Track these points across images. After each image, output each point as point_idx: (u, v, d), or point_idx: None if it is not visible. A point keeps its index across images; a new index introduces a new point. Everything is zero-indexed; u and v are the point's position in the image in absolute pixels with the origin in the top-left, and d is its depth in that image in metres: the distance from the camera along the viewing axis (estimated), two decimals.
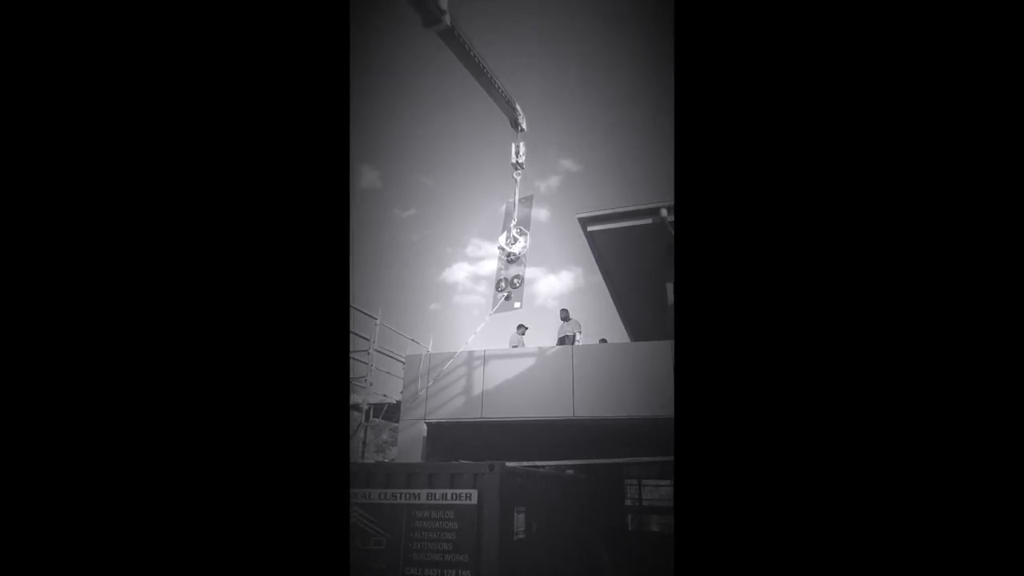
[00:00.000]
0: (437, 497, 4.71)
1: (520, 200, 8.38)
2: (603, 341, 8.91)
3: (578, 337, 8.47)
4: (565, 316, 8.79)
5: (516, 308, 7.92)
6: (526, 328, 8.72)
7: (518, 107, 8.21)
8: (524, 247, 8.10)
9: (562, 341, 8.37)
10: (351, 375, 8.55)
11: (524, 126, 8.44)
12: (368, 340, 9.07)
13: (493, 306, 7.95)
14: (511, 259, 8.09)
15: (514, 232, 8.18)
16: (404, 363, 8.51)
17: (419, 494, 4.77)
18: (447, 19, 6.04)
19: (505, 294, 7.92)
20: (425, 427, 7.61)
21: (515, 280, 7.96)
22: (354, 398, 8.75)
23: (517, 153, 8.40)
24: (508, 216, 8.37)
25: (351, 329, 8.60)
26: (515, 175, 8.43)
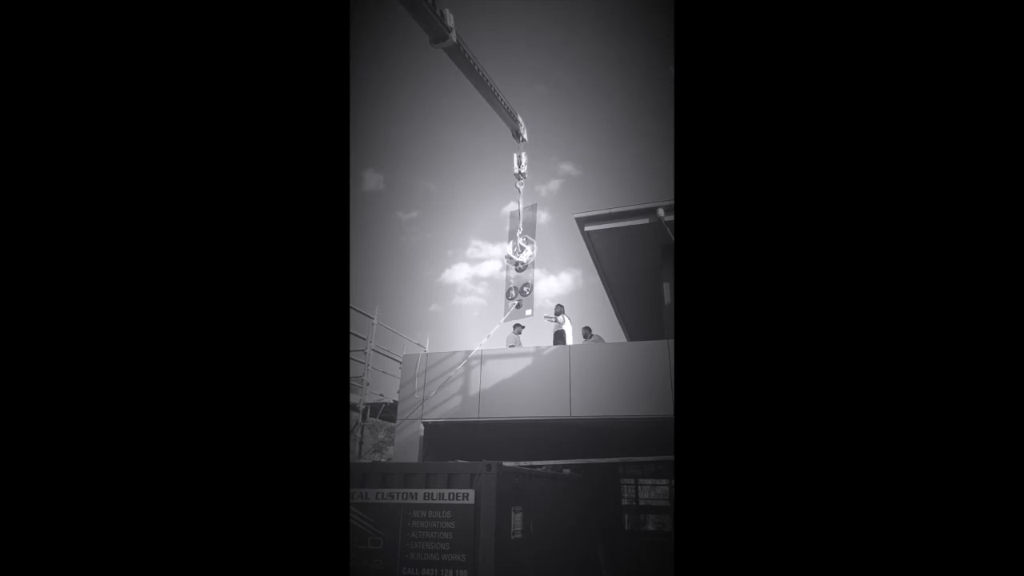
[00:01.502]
0: (434, 497, 4.71)
1: (524, 209, 8.47)
2: (587, 328, 8.94)
3: (568, 330, 8.54)
4: (559, 310, 8.88)
5: (528, 315, 8.02)
6: (523, 327, 8.76)
7: (520, 119, 8.33)
8: (531, 255, 8.19)
9: (558, 335, 8.44)
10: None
11: (525, 136, 8.56)
12: (365, 340, 9.07)
13: (504, 314, 8.01)
14: (519, 268, 8.18)
15: (520, 241, 8.26)
16: (401, 363, 8.51)
17: (416, 494, 4.76)
18: (453, 36, 6.16)
19: (516, 302, 7.99)
20: (422, 427, 7.60)
21: (525, 288, 8.04)
22: (351, 398, 8.75)
23: (519, 163, 8.51)
24: (514, 225, 8.45)
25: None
26: (518, 185, 8.55)
